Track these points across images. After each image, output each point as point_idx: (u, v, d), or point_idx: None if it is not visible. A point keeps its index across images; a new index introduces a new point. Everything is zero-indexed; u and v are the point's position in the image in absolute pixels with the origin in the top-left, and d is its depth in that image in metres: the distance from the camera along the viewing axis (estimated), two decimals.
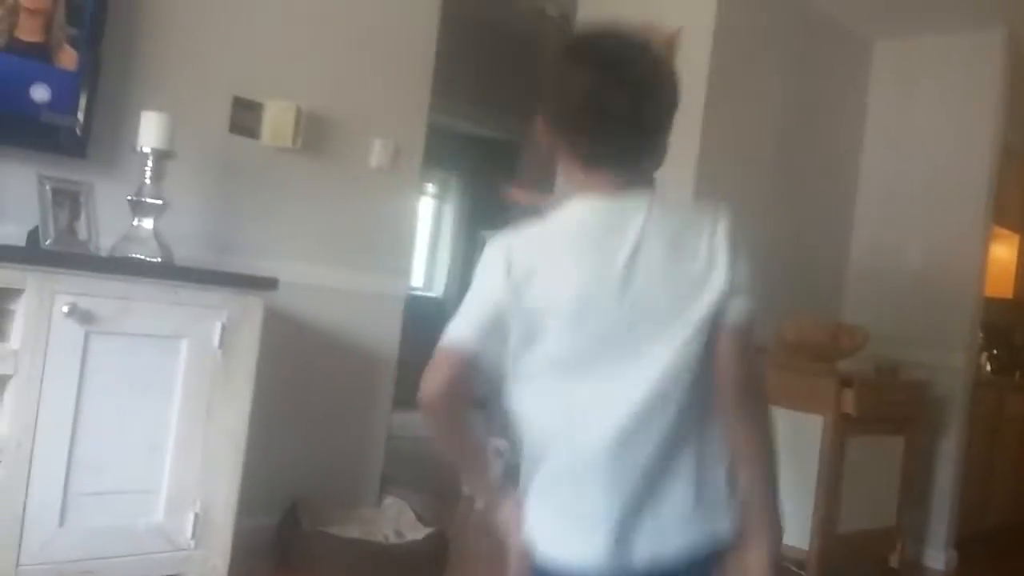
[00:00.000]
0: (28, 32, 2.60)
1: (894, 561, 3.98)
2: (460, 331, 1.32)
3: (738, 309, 1.28)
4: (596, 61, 1.31)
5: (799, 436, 3.62)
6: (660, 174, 1.43)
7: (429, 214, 8.34)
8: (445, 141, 5.85)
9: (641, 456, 1.27)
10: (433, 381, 1.32)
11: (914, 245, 4.56)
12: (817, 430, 3.62)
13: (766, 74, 4.20)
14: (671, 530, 1.29)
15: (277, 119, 3.21)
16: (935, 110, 4.58)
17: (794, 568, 3.68)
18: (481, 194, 7.83)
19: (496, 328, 1.30)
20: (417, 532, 3.27)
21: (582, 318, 1.28)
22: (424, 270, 8.30)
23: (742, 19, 4.02)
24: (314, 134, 3.33)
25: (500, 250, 1.33)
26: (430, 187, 8.18)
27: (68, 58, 2.66)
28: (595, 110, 1.29)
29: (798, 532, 3.59)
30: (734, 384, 1.31)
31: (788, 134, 4.35)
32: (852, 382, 3.67)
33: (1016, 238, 5.61)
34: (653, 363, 1.27)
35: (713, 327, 1.28)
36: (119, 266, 2.52)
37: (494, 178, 5.88)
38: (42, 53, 2.62)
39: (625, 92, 1.29)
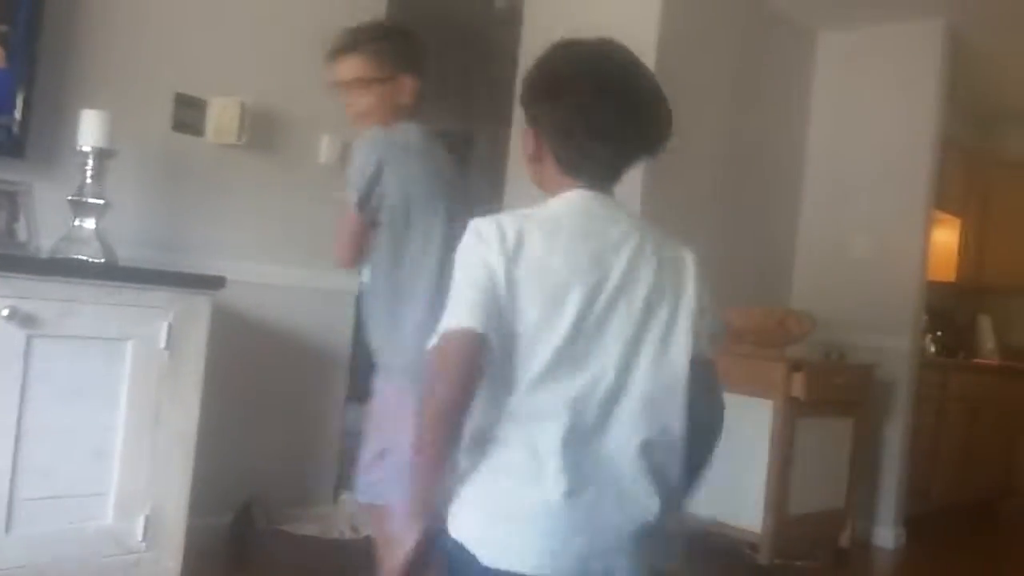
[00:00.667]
0: None
1: (844, 540, 4.07)
2: (462, 316, 1.25)
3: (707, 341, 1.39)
4: (589, 76, 1.35)
5: (749, 420, 3.68)
6: None
7: None
8: None
9: (599, 446, 1.29)
10: (448, 381, 1.24)
11: (859, 231, 4.65)
12: (767, 414, 3.68)
13: (711, 65, 4.24)
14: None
15: (221, 116, 3.18)
16: (878, 99, 4.66)
17: (748, 550, 3.74)
18: None
19: (496, 305, 1.26)
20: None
21: (563, 301, 1.28)
22: None
23: (687, 10, 4.06)
24: (261, 131, 3.30)
25: (490, 224, 1.31)
26: None
27: None
28: (585, 125, 1.34)
29: (750, 514, 3.66)
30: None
31: (734, 124, 4.41)
32: (801, 367, 3.74)
33: (958, 223, 5.74)
34: (618, 356, 1.31)
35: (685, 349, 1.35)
36: (61, 267, 2.48)
37: None
38: None
39: (615, 109, 1.34)
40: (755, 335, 3.94)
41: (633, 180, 3.88)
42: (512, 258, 1.27)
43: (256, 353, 3.29)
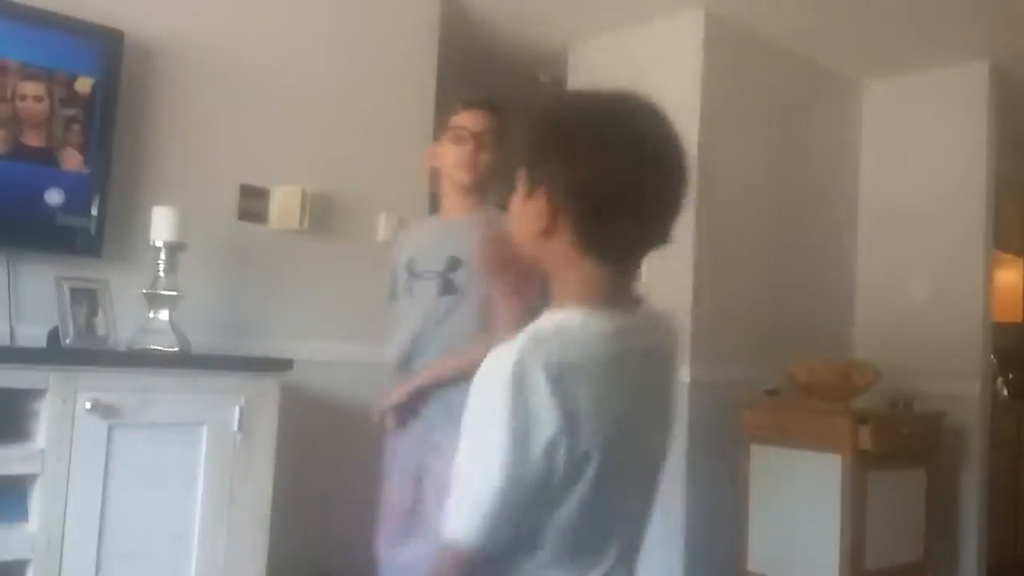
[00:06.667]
0: (31, 138, 2.71)
1: None
2: (476, 527, 0.99)
3: None
4: (634, 137, 1.10)
5: (818, 476, 3.64)
6: None
7: None
8: None
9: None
10: None
11: (919, 278, 4.60)
12: (836, 469, 3.63)
13: (756, 120, 4.29)
14: None
15: (284, 203, 3.31)
16: (928, 144, 4.65)
17: None
18: None
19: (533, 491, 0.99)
20: None
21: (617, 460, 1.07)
22: None
23: (728, 69, 4.13)
24: (321, 214, 3.43)
25: (535, 366, 0.99)
26: None
27: (73, 160, 2.77)
28: (637, 193, 1.08)
29: (824, 571, 3.58)
30: None
31: (783, 179, 4.43)
32: (867, 418, 3.69)
33: (1020, 263, 5.63)
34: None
35: None
36: (138, 359, 2.60)
37: None
38: (47, 158, 2.74)
39: (665, 173, 1.12)
40: (818, 389, 3.90)
41: (683, 237, 3.93)
42: (571, 415, 1.00)
43: (325, 430, 3.36)
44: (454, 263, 2.21)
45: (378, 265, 3.60)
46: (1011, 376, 5.55)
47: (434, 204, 3.97)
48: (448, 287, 2.21)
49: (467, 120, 2.27)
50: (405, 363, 2.31)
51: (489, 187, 2.29)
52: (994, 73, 4.49)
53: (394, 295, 2.46)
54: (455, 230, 2.27)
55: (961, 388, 4.37)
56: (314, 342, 3.34)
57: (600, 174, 1.07)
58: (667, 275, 3.97)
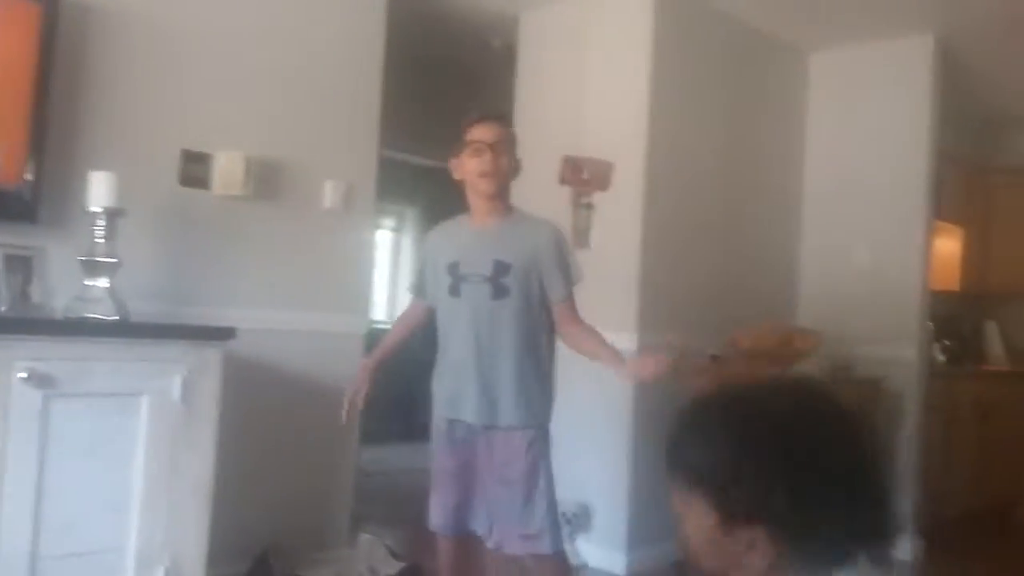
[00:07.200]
0: None
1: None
2: None
3: None
4: (837, 433, 1.05)
5: None
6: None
7: (388, 247, 8.37)
8: (399, 175, 5.90)
9: None
10: None
11: (861, 246, 4.68)
12: None
13: (704, 92, 4.31)
14: None
15: (227, 168, 3.25)
16: (872, 115, 4.71)
17: None
18: (438, 224, 7.84)
19: None
20: (391, 567, 3.31)
21: None
22: (386, 303, 8.33)
23: (677, 38, 4.13)
24: (266, 181, 3.38)
25: None
26: (388, 221, 8.21)
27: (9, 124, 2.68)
28: (851, 493, 1.01)
29: None
30: None
31: (730, 147, 4.46)
32: None
33: (959, 232, 5.76)
34: None
35: None
36: (75, 328, 2.55)
37: (448, 207, 5.94)
38: None
39: (876, 465, 1.05)
40: (761, 354, 3.97)
41: (632, 205, 3.96)
42: None
43: (269, 400, 3.34)
44: (502, 267, 2.43)
45: (323, 233, 3.58)
46: (946, 342, 5.70)
47: (383, 171, 3.93)
48: (499, 291, 2.42)
49: (481, 133, 2.47)
50: (473, 354, 2.47)
51: (508, 188, 2.54)
52: (938, 46, 4.55)
53: (422, 291, 2.67)
54: (495, 235, 2.49)
55: (899, 353, 4.48)
56: (258, 310, 3.31)
57: (815, 479, 0.99)
58: (615, 241, 4.02)
